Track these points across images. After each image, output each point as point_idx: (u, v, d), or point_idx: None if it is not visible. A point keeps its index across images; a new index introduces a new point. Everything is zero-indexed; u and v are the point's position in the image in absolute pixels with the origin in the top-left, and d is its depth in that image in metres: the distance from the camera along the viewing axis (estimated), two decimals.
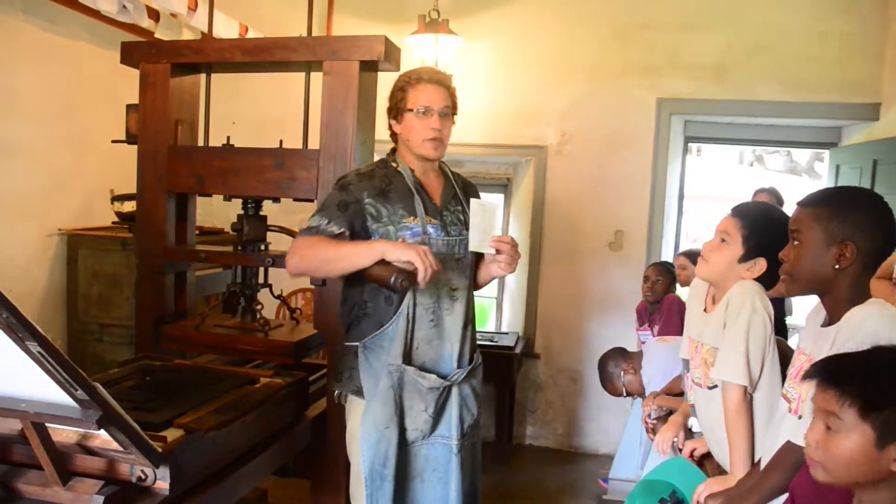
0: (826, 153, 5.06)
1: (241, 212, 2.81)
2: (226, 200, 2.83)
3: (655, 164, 4.79)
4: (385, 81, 2.69)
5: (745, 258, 2.04)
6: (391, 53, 2.60)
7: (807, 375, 1.35)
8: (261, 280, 2.88)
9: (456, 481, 2.25)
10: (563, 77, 4.83)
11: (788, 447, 1.65)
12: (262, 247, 2.82)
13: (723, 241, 2.09)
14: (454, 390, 2.25)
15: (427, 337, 2.22)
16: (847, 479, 1.26)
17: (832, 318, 1.63)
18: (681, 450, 2.56)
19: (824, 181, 5.07)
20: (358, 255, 2.03)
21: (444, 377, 2.22)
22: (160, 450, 1.66)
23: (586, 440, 5.00)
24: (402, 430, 2.20)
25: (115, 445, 1.58)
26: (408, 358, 2.19)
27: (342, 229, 2.11)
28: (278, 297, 2.99)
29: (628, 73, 4.75)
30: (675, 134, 4.87)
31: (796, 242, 1.65)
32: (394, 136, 2.32)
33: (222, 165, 2.73)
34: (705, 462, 2.23)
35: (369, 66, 2.61)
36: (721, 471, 2.11)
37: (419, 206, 2.21)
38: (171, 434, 1.81)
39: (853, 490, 1.30)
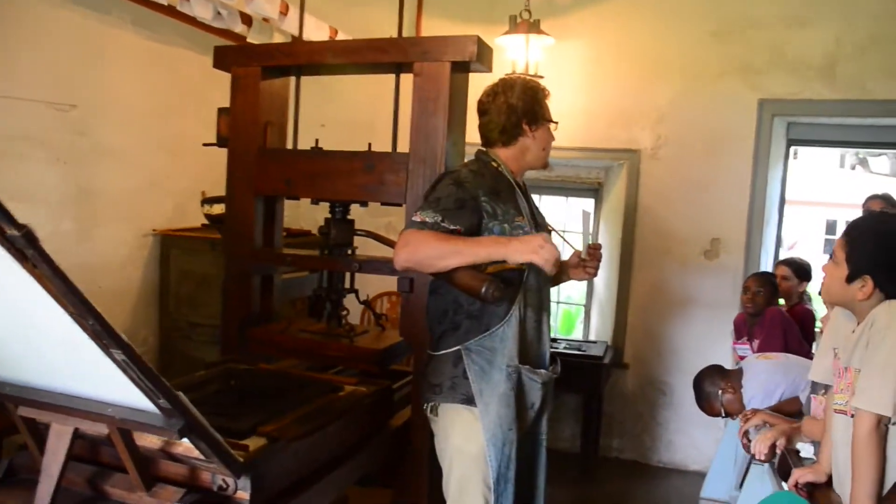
0: None
1: (329, 215, 2.78)
2: (313, 204, 2.81)
3: (755, 169, 4.54)
4: (476, 83, 2.63)
5: (851, 278, 1.88)
6: (484, 54, 2.52)
7: None
8: (347, 285, 2.84)
9: (544, 475, 2.34)
10: (658, 77, 4.65)
11: None
12: (349, 251, 2.78)
13: (834, 261, 1.95)
14: (550, 387, 2.29)
15: (532, 338, 2.23)
16: None
17: None
18: (777, 454, 2.40)
19: None
20: (478, 254, 2.02)
21: None
22: (242, 459, 1.62)
23: (675, 455, 4.80)
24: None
25: (197, 453, 1.55)
26: (521, 357, 2.18)
27: (457, 227, 2.06)
28: (364, 302, 2.95)
29: (728, 73, 4.53)
30: (776, 136, 4.60)
31: None
32: (511, 138, 2.28)
33: (311, 168, 2.70)
34: (816, 494, 2.05)
35: (461, 67, 2.54)
36: None
37: (524, 207, 2.25)
38: (254, 442, 1.78)
39: None
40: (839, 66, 4.37)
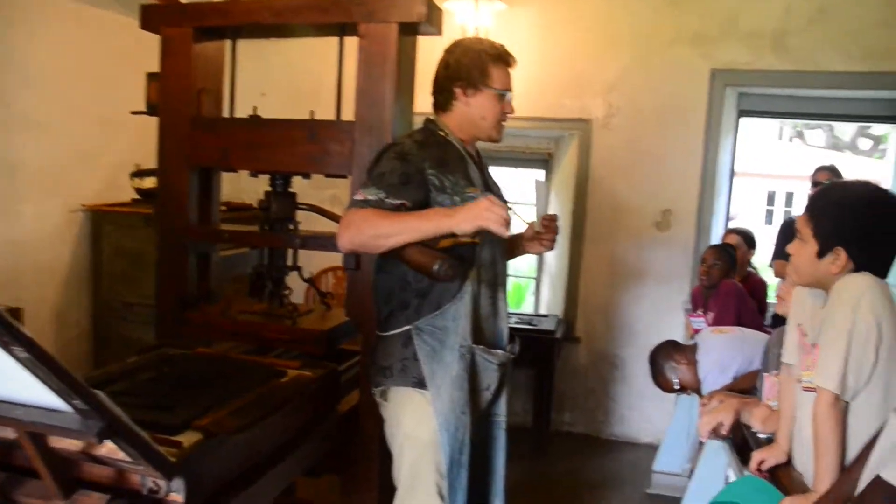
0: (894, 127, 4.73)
1: (269, 188, 2.61)
2: (252, 176, 2.63)
3: (707, 140, 4.50)
4: (425, 47, 2.48)
5: (822, 253, 1.80)
6: (433, 15, 2.36)
7: None
8: (289, 262, 2.68)
9: (503, 459, 2.26)
10: (610, 46, 4.54)
11: (879, 484, 1.39)
12: (291, 226, 2.62)
13: (800, 239, 1.87)
14: (508, 368, 2.20)
15: (486, 315, 2.13)
16: None
17: None
18: (723, 436, 2.36)
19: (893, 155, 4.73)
20: (425, 229, 1.89)
21: None
22: (174, 459, 1.47)
23: (628, 429, 4.78)
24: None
25: (123, 454, 1.40)
26: (474, 337, 2.06)
27: (402, 201, 1.94)
28: (307, 280, 2.81)
29: (680, 42, 4.45)
30: (728, 107, 4.56)
31: None
32: (446, 103, 2.14)
33: (249, 138, 2.53)
34: (779, 474, 1.99)
35: (409, 30, 2.38)
36: (800, 485, 1.88)
37: (476, 176, 2.12)
38: (188, 438, 1.62)
39: None
40: (790, 38, 4.33)
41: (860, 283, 1.74)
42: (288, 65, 4.66)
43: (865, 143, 13.46)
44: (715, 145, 4.51)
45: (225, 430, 1.71)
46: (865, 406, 1.74)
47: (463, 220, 1.87)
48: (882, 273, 1.79)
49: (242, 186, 4.13)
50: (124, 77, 3.96)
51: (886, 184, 4.58)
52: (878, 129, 12.13)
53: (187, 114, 2.59)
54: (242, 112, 2.68)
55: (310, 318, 2.63)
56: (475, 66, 2.09)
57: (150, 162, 3.66)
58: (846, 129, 13.25)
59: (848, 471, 1.67)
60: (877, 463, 1.48)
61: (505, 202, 2.12)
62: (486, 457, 2.25)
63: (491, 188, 2.20)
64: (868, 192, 1.86)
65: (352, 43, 2.47)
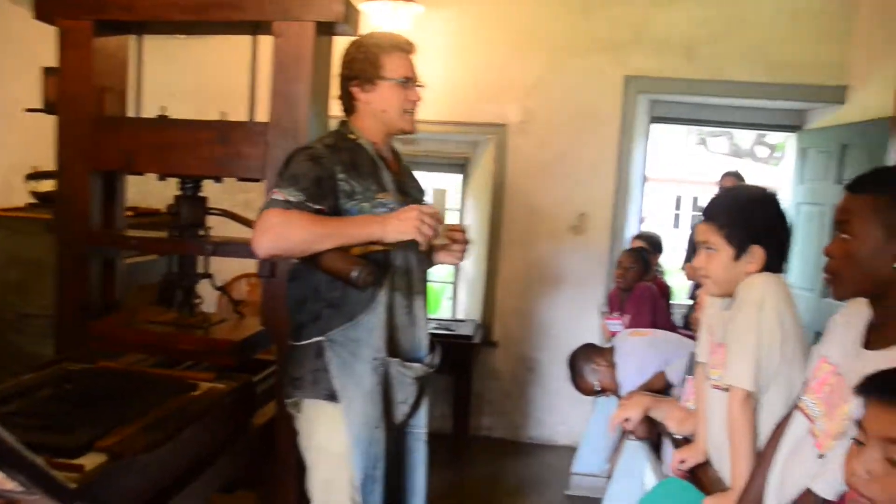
0: (792, 136, 4.94)
1: (179, 192, 2.49)
2: (161, 180, 2.51)
3: (621, 145, 4.61)
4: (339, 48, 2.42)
5: (738, 255, 1.85)
6: (351, 15, 2.31)
7: (861, 391, 1.12)
8: (200, 269, 2.57)
9: (423, 473, 2.19)
10: (527, 51, 4.58)
11: (807, 498, 1.41)
12: (202, 232, 2.51)
13: (708, 249, 1.90)
14: (428, 379, 2.14)
15: (402, 325, 2.06)
16: None
17: (882, 328, 1.38)
18: (640, 436, 2.39)
19: (789, 163, 4.94)
20: (354, 235, 1.85)
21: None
22: (74, 485, 1.36)
23: (546, 431, 4.83)
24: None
25: (13, 484, 1.28)
26: (388, 349, 1.99)
27: (322, 206, 1.88)
28: (219, 288, 2.69)
29: (595, 49, 4.54)
30: (640, 113, 4.69)
31: (846, 236, 1.39)
32: (350, 105, 2.08)
33: (155, 140, 2.41)
34: (698, 473, 2.02)
35: (326, 29, 2.32)
36: (719, 483, 1.91)
37: (389, 181, 2.04)
38: (91, 460, 1.51)
39: None
40: (699, 48, 4.48)
41: (763, 283, 1.80)
42: (199, 64, 4.50)
43: (763, 151, 14.11)
44: (628, 151, 4.61)
45: (132, 450, 1.60)
46: (770, 402, 1.79)
47: (394, 230, 1.84)
48: (783, 266, 1.87)
49: (150, 190, 3.95)
50: (17, 71, 3.75)
51: (783, 189, 4.80)
52: (773, 137, 12.74)
53: (88, 113, 2.45)
54: (150, 113, 2.55)
55: (222, 327, 2.51)
56: (366, 60, 2.03)
57: (48, 163, 3.46)
58: (746, 138, 13.87)
59: (759, 465, 1.71)
60: (786, 458, 1.52)
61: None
62: (406, 470, 2.19)
63: (409, 193, 2.13)
64: (760, 193, 1.97)
65: (266, 42, 2.39)
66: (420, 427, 2.19)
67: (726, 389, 1.83)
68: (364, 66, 2.02)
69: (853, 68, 4.33)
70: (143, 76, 2.59)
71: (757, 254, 1.83)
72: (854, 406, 1.31)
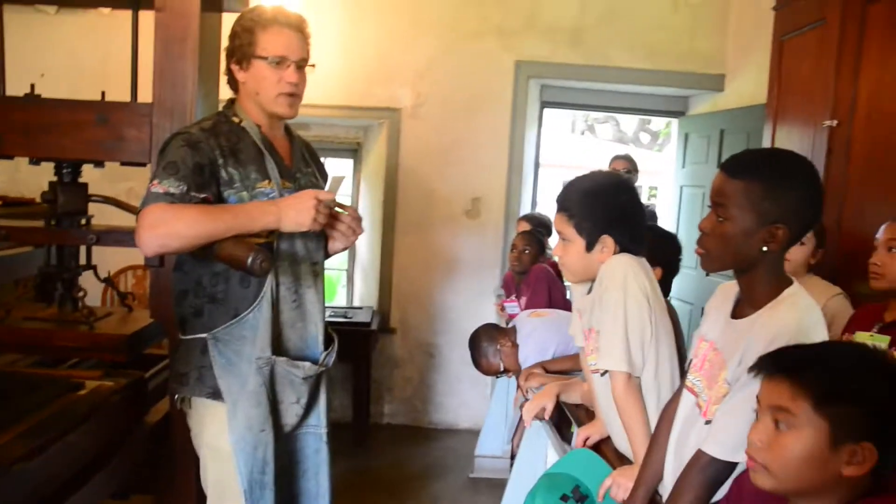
0: (674, 121, 5.14)
1: (55, 178, 2.31)
2: (33, 164, 2.32)
3: (513, 130, 4.66)
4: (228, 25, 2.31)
5: (590, 246, 1.90)
6: None
7: (755, 369, 1.18)
8: (82, 260, 2.40)
9: (326, 472, 2.08)
10: (418, 34, 4.55)
11: (700, 458, 1.46)
12: (83, 220, 2.34)
13: (563, 240, 1.95)
14: (324, 375, 2.02)
15: (290, 320, 1.95)
16: (794, 483, 1.12)
17: (748, 299, 1.47)
18: (543, 419, 2.43)
19: (672, 149, 5.14)
20: (251, 227, 1.74)
21: (314, 362, 1.97)
22: None
23: (447, 415, 4.85)
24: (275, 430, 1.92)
25: None
26: (275, 347, 1.88)
27: (207, 194, 1.76)
28: (105, 279, 2.52)
29: (485, 33, 4.56)
30: (532, 98, 4.75)
31: (721, 219, 1.44)
32: (233, 83, 1.97)
33: (25, 119, 2.22)
34: (602, 447, 2.07)
35: (212, 5, 2.21)
36: (622, 457, 1.96)
37: (272, 169, 1.91)
38: None
39: (792, 499, 1.15)
40: (584, 34, 4.59)
41: (623, 264, 1.84)
42: (70, 41, 4.20)
43: (646, 137, 14.64)
44: (521, 135, 4.67)
45: (10, 456, 1.48)
46: (645, 376, 1.84)
47: (290, 220, 1.76)
48: (640, 249, 1.91)
49: (21, 177, 3.68)
50: None
51: (667, 173, 4.99)
52: (656, 124, 13.23)
53: None
54: (17, 94, 2.34)
55: (109, 321, 2.35)
56: (244, 37, 1.88)
57: None
58: (630, 124, 14.38)
59: (654, 440, 1.75)
60: (679, 433, 1.57)
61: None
62: (307, 472, 2.08)
63: (299, 181, 2.00)
64: (607, 179, 2.01)
65: (147, 17, 2.24)
66: (320, 426, 2.06)
67: (603, 373, 1.87)
68: (241, 43, 1.88)
69: (729, 57, 4.55)
70: (7, 55, 2.38)
71: (608, 242, 1.87)
72: (730, 372, 1.41)
